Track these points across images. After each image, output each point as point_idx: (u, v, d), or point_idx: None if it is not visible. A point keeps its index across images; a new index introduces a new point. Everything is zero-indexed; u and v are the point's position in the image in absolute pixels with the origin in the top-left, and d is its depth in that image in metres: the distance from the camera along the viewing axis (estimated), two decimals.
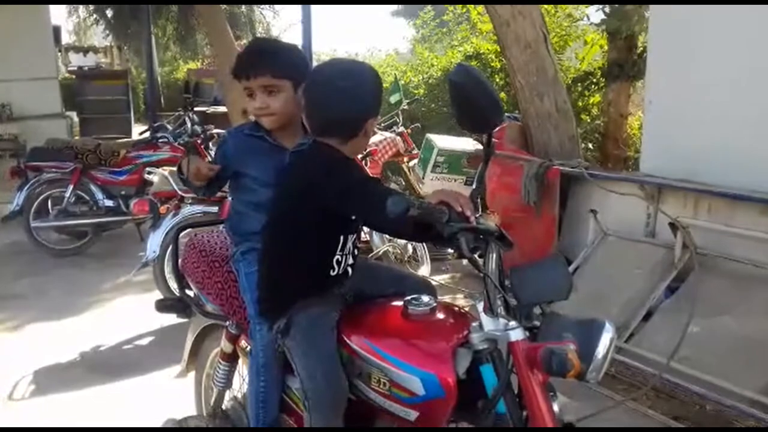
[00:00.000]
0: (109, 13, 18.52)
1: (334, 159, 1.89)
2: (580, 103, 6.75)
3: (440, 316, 1.83)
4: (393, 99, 7.17)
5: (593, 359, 1.47)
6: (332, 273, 1.98)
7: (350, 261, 2.04)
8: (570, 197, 4.71)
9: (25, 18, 9.26)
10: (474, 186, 1.83)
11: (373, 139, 6.37)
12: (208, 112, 10.38)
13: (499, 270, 1.61)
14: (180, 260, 2.52)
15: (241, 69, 2.14)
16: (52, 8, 10.32)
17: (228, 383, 2.53)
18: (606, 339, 1.49)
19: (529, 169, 4.53)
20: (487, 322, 1.62)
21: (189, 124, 6.30)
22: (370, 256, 5.23)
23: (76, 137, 9.90)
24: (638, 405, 3.24)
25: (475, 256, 1.59)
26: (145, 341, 4.28)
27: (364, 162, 5.40)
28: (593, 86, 6.81)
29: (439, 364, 1.65)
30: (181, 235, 2.60)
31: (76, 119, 11.95)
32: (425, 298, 1.85)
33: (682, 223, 3.77)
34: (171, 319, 3.21)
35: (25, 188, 5.87)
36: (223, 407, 2.61)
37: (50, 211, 5.97)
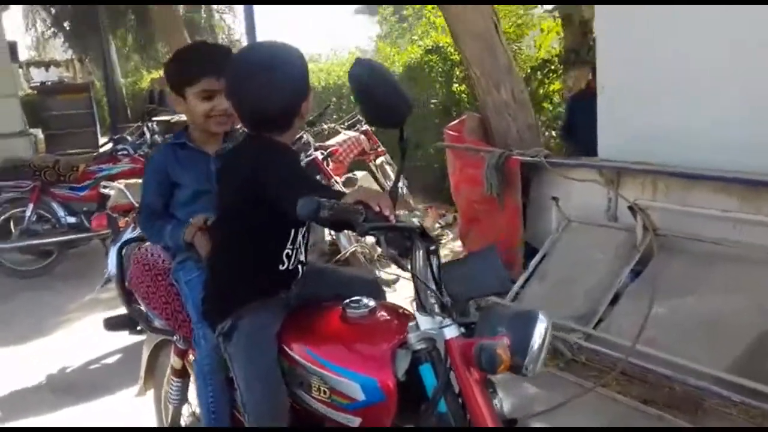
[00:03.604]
0: (67, 25, 18.18)
1: (277, 149, 1.84)
2: (540, 91, 6.74)
3: (380, 317, 1.79)
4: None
5: (528, 352, 1.44)
6: (282, 267, 1.93)
7: (301, 257, 1.99)
8: (532, 186, 4.68)
9: None
10: (392, 183, 1.80)
11: (336, 139, 6.32)
12: (172, 120, 10.21)
13: (431, 267, 1.57)
14: (128, 275, 2.46)
15: (212, 69, 2.00)
16: (7, 23, 10.09)
17: (183, 399, 2.48)
18: (540, 329, 1.46)
19: (490, 160, 4.51)
20: (423, 321, 1.58)
21: (148, 135, 6.22)
22: (338, 257, 5.19)
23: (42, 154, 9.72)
24: (607, 390, 3.21)
25: (396, 254, 1.54)
26: (111, 360, 4.22)
27: (326, 163, 5.34)
28: (552, 74, 6.79)
29: (377, 367, 1.61)
30: (125, 249, 2.54)
31: (41, 136, 11.73)
32: (365, 300, 1.81)
33: (640, 205, 3.77)
34: (137, 336, 3.16)
35: None
36: (183, 423, 2.57)
37: (12, 231, 5.86)
